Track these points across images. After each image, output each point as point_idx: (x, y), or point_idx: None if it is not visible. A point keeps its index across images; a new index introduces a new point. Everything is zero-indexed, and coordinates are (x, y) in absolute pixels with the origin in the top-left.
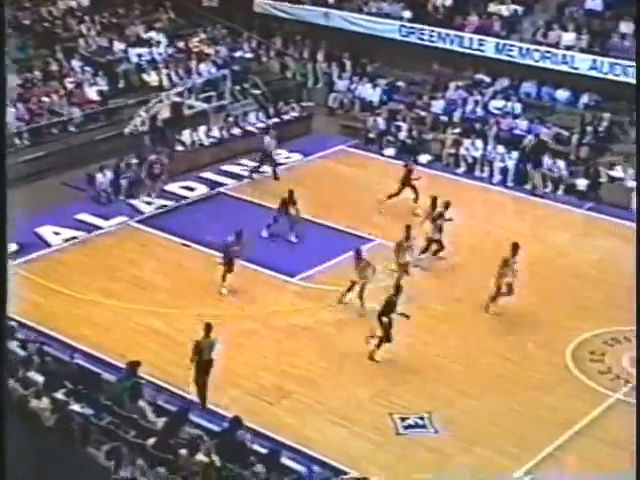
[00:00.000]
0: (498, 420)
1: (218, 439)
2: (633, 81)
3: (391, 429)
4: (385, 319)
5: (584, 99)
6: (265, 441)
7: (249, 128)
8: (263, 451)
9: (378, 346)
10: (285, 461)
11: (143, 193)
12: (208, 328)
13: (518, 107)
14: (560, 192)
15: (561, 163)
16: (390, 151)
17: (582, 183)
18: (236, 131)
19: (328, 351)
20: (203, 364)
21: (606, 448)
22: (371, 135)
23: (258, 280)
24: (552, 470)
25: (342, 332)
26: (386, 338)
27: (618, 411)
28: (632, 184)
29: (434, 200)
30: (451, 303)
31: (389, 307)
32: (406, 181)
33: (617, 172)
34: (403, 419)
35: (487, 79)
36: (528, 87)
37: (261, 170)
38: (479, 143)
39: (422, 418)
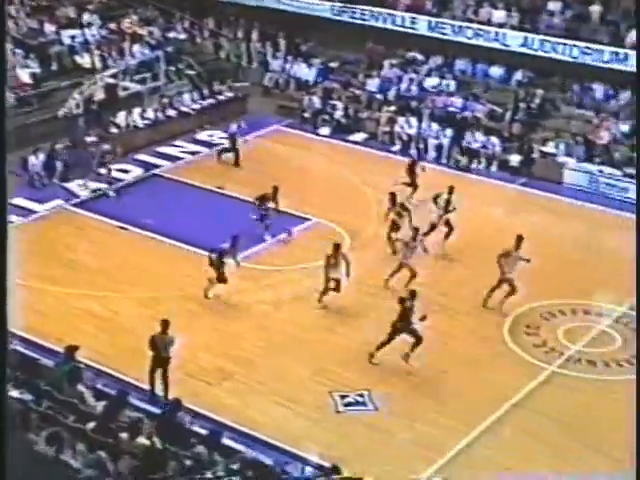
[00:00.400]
0: (436, 395)
1: (158, 421)
2: (564, 58)
3: (331, 407)
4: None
5: (517, 76)
6: (206, 422)
7: (184, 109)
8: (204, 432)
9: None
10: (226, 442)
11: (91, 179)
12: (165, 325)
13: (452, 84)
14: (494, 168)
15: (494, 139)
16: (325, 130)
17: (515, 159)
18: (171, 112)
19: (267, 331)
20: (159, 360)
21: (542, 420)
22: (306, 114)
23: (197, 261)
24: (490, 443)
25: (281, 312)
26: (418, 342)
27: (553, 383)
28: (563, 159)
29: (393, 195)
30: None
31: (405, 315)
32: (410, 173)
33: (549, 148)
34: (343, 397)
35: (420, 57)
36: (462, 65)
37: (198, 151)
38: (414, 121)
39: (362, 395)
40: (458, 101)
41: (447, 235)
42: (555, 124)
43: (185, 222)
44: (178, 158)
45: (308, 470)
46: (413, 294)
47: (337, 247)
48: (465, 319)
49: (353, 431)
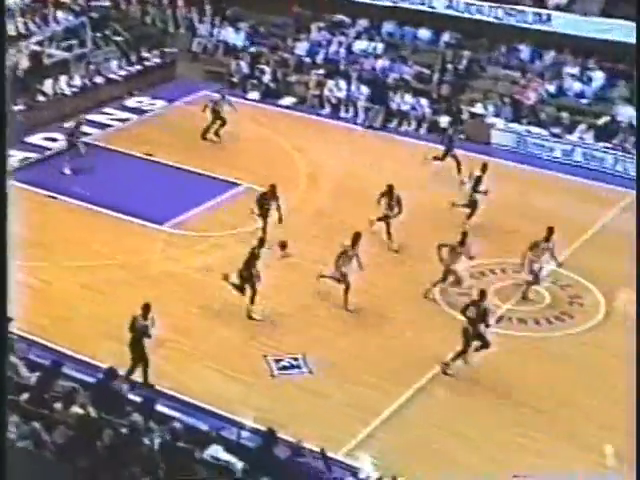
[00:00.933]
0: (370, 357)
1: (93, 391)
2: (489, 19)
3: (266, 371)
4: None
5: (445, 38)
6: (142, 390)
7: (111, 76)
8: (138, 400)
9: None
10: (161, 409)
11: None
12: (146, 308)
13: (380, 47)
14: (423, 130)
15: (423, 101)
16: (254, 94)
17: (444, 120)
18: (99, 79)
19: (200, 297)
20: (137, 343)
21: (474, 378)
22: (235, 79)
23: (127, 229)
24: (424, 403)
25: (213, 278)
26: (485, 344)
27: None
28: (492, 120)
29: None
30: (324, 244)
31: (482, 315)
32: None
33: (477, 109)
34: (277, 361)
35: (347, 20)
36: (389, 27)
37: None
38: (343, 84)
39: (296, 359)
40: (386, 63)
41: (469, 216)
42: (482, 85)
43: (115, 190)
44: (107, 125)
45: (244, 434)
46: (483, 294)
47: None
48: (397, 281)
49: (288, 394)
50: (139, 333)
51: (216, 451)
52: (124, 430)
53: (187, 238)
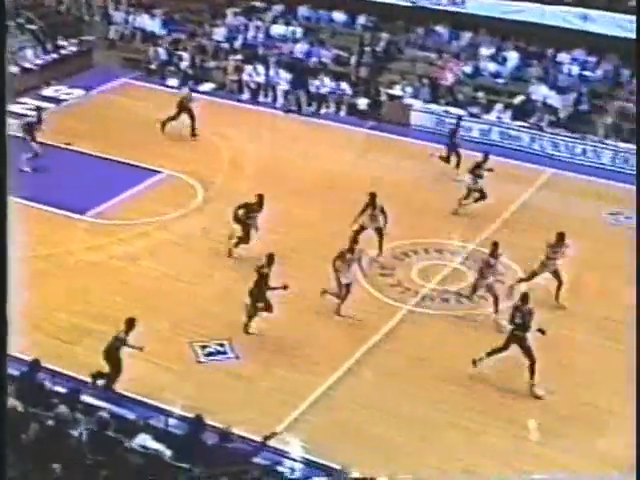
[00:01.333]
0: (296, 341)
1: (18, 383)
2: (404, 3)
3: (192, 358)
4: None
5: (361, 20)
6: (68, 382)
7: (27, 65)
8: (64, 391)
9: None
10: (88, 399)
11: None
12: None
13: (298, 31)
14: (342, 113)
15: (342, 84)
16: (173, 81)
17: (363, 102)
18: (14, 69)
19: (123, 286)
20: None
21: (401, 358)
22: (153, 66)
23: (48, 219)
24: (351, 384)
25: (135, 266)
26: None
27: (409, 322)
28: (410, 101)
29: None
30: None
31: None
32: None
33: (396, 90)
34: (203, 347)
35: (261, 4)
36: (305, 11)
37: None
38: (261, 69)
39: (222, 345)
40: (304, 47)
41: (477, 200)
42: (400, 67)
43: (34, 180)
44: (23, 115)
45: (172, 422)
46: (525, 298)
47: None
48: (320, 263)
49: (215, 380)
50: (116, 344)
51: (144, 440)
52: (50, 422)
53: (109, 227)
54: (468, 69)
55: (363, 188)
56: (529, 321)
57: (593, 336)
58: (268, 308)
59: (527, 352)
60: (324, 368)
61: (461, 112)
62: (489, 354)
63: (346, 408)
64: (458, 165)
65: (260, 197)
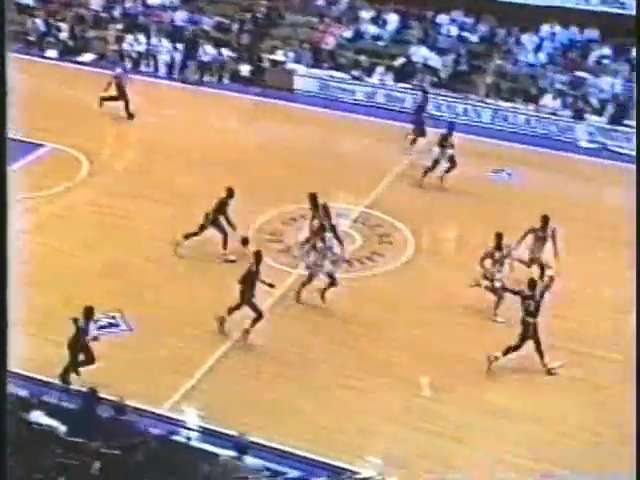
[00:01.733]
0: (187, 310)
1: None
2: None
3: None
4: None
5: None
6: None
7: None
8: None
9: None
10: None
11: None
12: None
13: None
14: (226, 80)
15: (224, 51)
16: (52, 52)
17: (246, 69)
18: None
19: (13, 263)
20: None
21: (294, 323)
22: (31, 38)
23: None
24: (245, 351)
25: (23, 241)
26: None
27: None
28: (293, 66)
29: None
30: (136, 201)
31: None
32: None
33: (278, 56)
34: (95, 321)
35: None
36: None
37: None
38: (142, 38)
39: (114, 317)
40: (183, 15)
41: (449, 170)
42: (282, 32)
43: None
44: None
45: (66, 397)
46: (533, 285)
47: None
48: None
49: (109, 353)
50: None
51: (37, 416)
52: None
53: None
54: (349, 33)
55: (249, 155)
56: (539, 307)
57: (478, 291)
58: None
59: (536, 338)
60: (218, 336)
61: (344, 76)
62: (505, 353)
63: (241, 375)
64: (414, 141)
65: (230, 190)
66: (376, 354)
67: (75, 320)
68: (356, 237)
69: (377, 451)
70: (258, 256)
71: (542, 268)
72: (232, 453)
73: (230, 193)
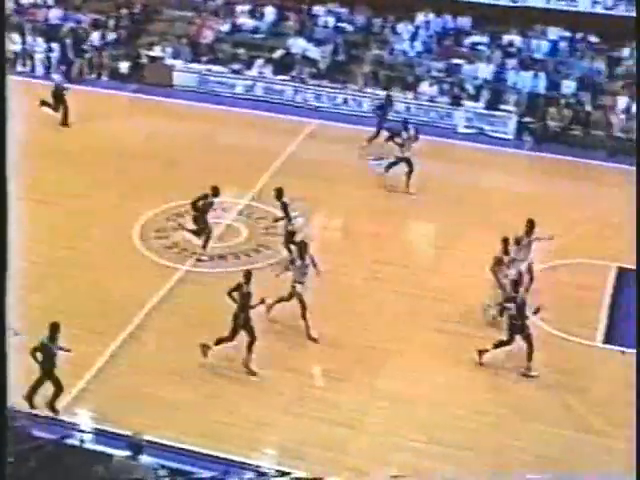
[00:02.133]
0: (71, 311)
1: None
2: None
3: None
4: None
5: None
6: None
7: None
8: None
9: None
10: None
11: None
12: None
13: None
14: (105, 77)
15: (104, 52)
16: None
17: (124, 66)
18: None
19: None
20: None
21: (183, 318)
22: None
23: None
24: (134, 349)
25: None
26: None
27: (188, 282)
28: (171, 62)
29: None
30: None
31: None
32: None
33: (156, 52)
34: None
35: None
36: None
37: None
38: (17, 37)
39: None
40: (58, 12)
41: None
42: (159, 28)
43: None
44: None
45: None
46: (516, 285)
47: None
48: (94, 232)
49: None
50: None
51: None
52: None
53: None
54: (226, 26)
55: (130, 152)
56: (523, 308)
57: (368, 280)
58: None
59: (528, 339)
60: (106, 337)
61: (223, 69)
62: (495, 346)
63: (131, 373)
64: (371, 140)
65: (215, 188)
66: (266, 346)
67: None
68: (242, 230)
69: (272, 443)
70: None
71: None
72: (126, 453)
73: (215, 192)
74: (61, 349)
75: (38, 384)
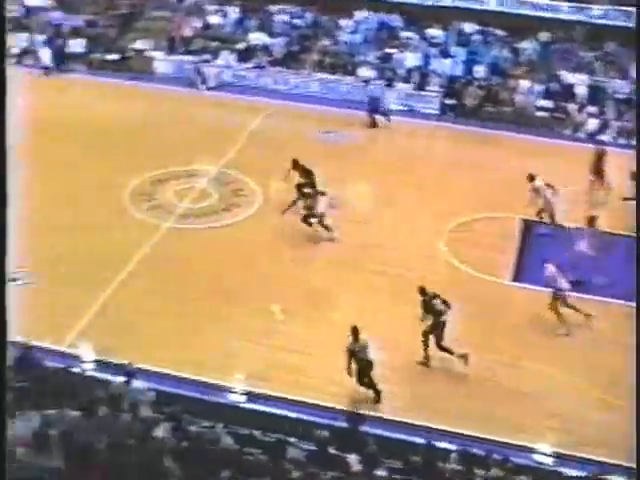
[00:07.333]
0: (70, 260)
1: None
2: None
3: None
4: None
5: None
6: None
7: None
8: None
9: None
10: None
11: None
12: (355, 332)
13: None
14: (95, 68)
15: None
16: None
17: (112, 57)
18: None
19: None
20: (363, 367)
21: (165, 269)
22: None
23: None
24: (126, 294)
25: None
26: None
27: (171, 237)
28: (152, 53)
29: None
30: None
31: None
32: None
33: (139, 45)
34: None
35: None
36: None
37: None
38: (24, 36)
39: (15, 272)
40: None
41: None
42: (143, 25)
43: None
44: None
45: None
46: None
47: None
48: (90, 195)
49: (17, 302)
50: (358, 358)
51: None
52: None
53: None
54: (199, 24)
55: (119, 130)
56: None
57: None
58: None
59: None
60: (101, 282)
61: (195, 59)
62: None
63: (124, 314)
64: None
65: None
66: (237, 288)
67: None
68: (213, 193)
69: (241, 369)
70: None
71: None
72: (122, 379)
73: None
74: None
75: None
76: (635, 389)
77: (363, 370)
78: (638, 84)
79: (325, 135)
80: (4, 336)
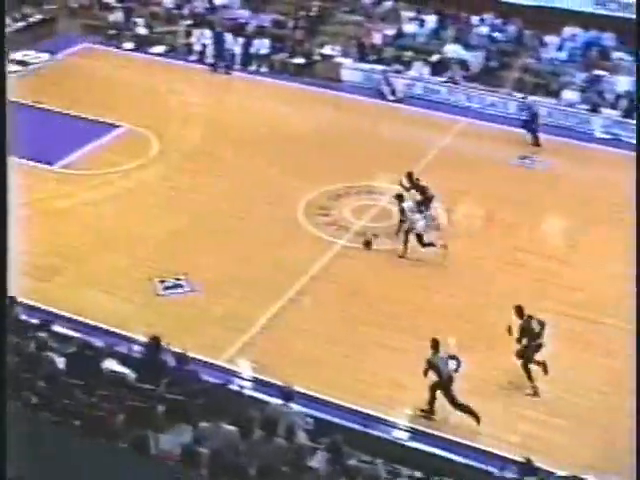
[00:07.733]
0: (244, 275)
1: None
2: None
3: (152, 292)
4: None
5: None
6: (42, 314)
7: None
8: (36, 322)
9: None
10: (61, 330)
11: None
12: (436, 344)
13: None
14: (281, 71)
15: (281, 45)
16: (129, 45)
17: (299, 61)
18: None
19: (92, 229)
20: (444, 382)
21: (337, 288)
22: (111, 31)
23: (20, 171)
24: (294, 312)
25: (101, 210)
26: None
27: (344, 256)
28: (341, 60)
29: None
30: (204, 178)
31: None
32: None
33: (327, 50)
34: (162, 282)
35: None
36: None
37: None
38: (208, 33)
39: (179, 279)
40: (245, 12)
41: None
42: (332, 29)
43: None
44: None
45: (136, 348)
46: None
47: None
48: (263, 206)
49: (172, 311)
50: (439, 371)
51: (111, 364)
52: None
53: (76, 177)
54: (392, 31)
55: (300, 137)
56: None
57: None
58: None
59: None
60: (270, 297)
61: (387, 68)
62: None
63: (288, 333)
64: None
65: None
66: (409, 316)
67: None
68: (394, 213)
69: (406, 401)
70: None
71: None
72: (279, 401)
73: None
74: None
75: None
76: (635, 390)
77: (442, 384)
78: (638, 84)
79: (521, 161)
80: (4, 335)
